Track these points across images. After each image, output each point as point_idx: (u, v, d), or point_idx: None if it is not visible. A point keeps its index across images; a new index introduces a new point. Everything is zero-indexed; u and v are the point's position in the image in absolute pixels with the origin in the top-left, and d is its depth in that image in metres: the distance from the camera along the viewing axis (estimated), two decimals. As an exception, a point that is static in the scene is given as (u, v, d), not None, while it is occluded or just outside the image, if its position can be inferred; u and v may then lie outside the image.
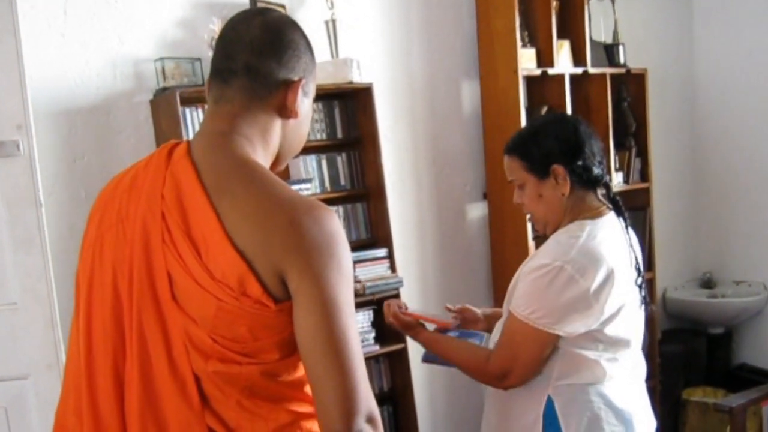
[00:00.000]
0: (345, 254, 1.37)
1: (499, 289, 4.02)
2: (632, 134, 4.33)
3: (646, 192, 4.37)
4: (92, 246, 1.49)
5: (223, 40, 1.50)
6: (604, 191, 2.14)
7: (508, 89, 3.77)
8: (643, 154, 4.35)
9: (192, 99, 2.98)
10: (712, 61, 4.91)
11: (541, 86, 3.99)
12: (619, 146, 4.26)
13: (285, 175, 3.23)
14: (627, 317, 2.04)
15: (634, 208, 4.37)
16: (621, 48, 4.27)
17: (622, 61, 4.27)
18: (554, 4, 3.88)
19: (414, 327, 2.27)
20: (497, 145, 3.87)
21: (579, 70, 4.00)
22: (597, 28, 4.27)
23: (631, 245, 2.09)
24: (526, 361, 2.02)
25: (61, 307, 2.57)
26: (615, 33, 4.31)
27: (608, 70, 4.14)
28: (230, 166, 1.41)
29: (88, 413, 1.45)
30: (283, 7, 3.29)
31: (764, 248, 4.71)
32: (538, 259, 2.05)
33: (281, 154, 1.56)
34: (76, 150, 2.98)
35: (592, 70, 4.05)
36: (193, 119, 3.00)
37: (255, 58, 1.45)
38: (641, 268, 2.09)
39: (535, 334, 1.99)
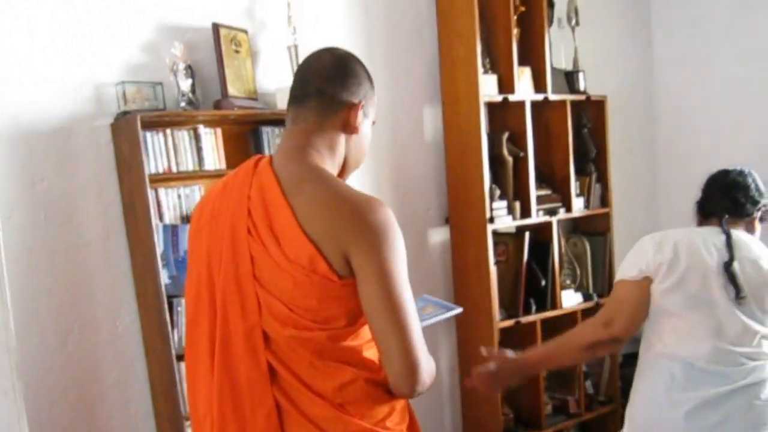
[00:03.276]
0: (398, 237, 1.68)
1: (461, 314, 4.03)
2: (592, 160, 4.37)
3: (607, 217, 4.41)
4: (193, 240, 1.88)
5: (299, 72, 1.85)
6: (718, 220, 2.61)
7: (469, 115, 3.82)
8: (603, 179, 4.40)
9: (153, 123, 2.99)
10: (671, 88, 5.00)
11: (503, 112, 4.04)
12: (579, 172, 4.31)
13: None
14: (692, 293, 2.43)
15: (595, 233, 4.44)
16: (581, 75, 4.33)
17: (582, 88, 4.33)
18: (515, 31, 3.93)
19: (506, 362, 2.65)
20: (459, 170, 3.92)
21: (540, 97, 4.05)
22: (558, 55, 4.33)
23: (731, 249, 2.47)
24: (622, 304, 2.50)
25: (19, 333, 2.56)
26: (575, 60, 4.38)
27: (568, 97, 4.20)
28: (303, 172, 1.74)
29: (191, 370, 1.88)
30: (245, 32, 3.32)
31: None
32: None
33: (347, 165, 1.88)
34: (35, 173, 2.96)
35: (552, 97, 4.10)
36: (154, 143, 3.00)
37: (324, 83, 1.79)
38: (730, 265, 2.43)
39: (619, 285, 2.53)
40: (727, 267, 2.42)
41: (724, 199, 2.61)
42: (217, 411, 1.75)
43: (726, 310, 2.40)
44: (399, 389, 1.72)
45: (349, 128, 1.83)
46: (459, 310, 2.18)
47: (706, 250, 2.47)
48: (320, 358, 1.71)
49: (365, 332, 1.75)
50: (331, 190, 1.71)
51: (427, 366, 1.70)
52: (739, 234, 2.53)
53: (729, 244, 2.48)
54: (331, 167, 1.82)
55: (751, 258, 2.47)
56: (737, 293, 2.39)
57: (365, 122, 1.87)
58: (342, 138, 1.83)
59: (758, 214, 2.64)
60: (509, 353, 2.66)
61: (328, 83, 1.79)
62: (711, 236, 2.52)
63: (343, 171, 1.88)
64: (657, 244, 2.49)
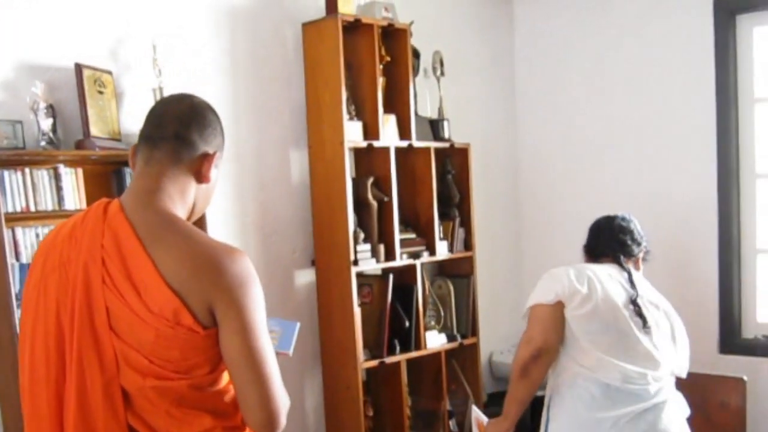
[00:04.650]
0: (258, 287, 1.75)
1: (326, 353, 4.10)
2: (456, 205, 4.52)
3: (470, 260, 4.56)
4: (36, 287, 1.79)
5: (155, 112, 1.86)
6: (611, 259, 3.03)
7: (334, 160, 3.91)
8: (466, 224, 4.55)
9: (12, 161, 2.98)
10: (533, 137, 5.24)
11: (369, 157, 4.15)
12: (443, 216, 4.44)
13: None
14: (606, 322, 2.78)
15: (459, 276, 4.57)
16: (446, 123, 4.49)
17: (446, 135, 4.49)
18: (381, 80, 4.07)
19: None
20: (325, 213, 4.01)
21: (404, 144, 4.18)
22: (423, 103, 4.49)
23: (633, 285, 2.89)
24: (540, 324, 2.80)
25: None
26: (440, 109, 4.54)
27: (433, 144, 4.35)
28: (159, 220, 1.74)
29: (32, 431, 1.78)
30: (110, 73, 3.34)
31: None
32: None
33: (194, 211, 1.90)
34: None
35: (417, 144, 4.24)
36: (11, 182, 2.97)
37: (182, 128, 1.81)
38: (635, 299, 2.85)
39: (536, 308, 2.84)
40: (634, 301, 2.82)
41: (612, 242, 3.02)
42: None
43: (634, 338, 2.77)
44: None
45: (201, 177, 1.85)
46: (297, 324, 2.19)
47: (613, 284, 2.85)
48: (179, 406, 1.71)
49: (225, 376, 1.77)
50: (192, 242, 1.72)
51: (285, 410, 1.75)
52: (634, 272, 2.96)
53: (631, 280, 2.90)
54: (182, 212, 1.84)
55: (647, 294, 2.91)
56: (644, 323, 2.79)
57: (214, 172, 1.89)
58: (193, 185, 1.85)
59: (641, 255, 3.08)
60: (492, 421, 3.02)
61: (186, 129, 1.81)
62: (615, 273, 2.92)
63: (190, 216, 1.89)
64: (572, 275, 2.82)
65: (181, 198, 1.83)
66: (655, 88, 4.68)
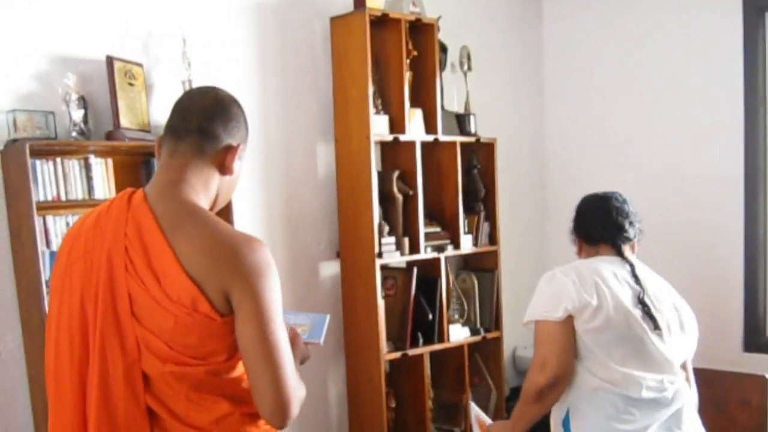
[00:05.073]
0: (275, 277, 1.76)
1: (350, 345, 4.14)
2: (481, 199, 4.54)
3: (495, 254, 4.58)
4: (62, 275, 1.84)
5: (180, 105, 1.89)
6: (611, 246, 2.76)
7: (360, 153, 3.95)
8: (491, 218, 4.57)
9: (43, 151, 3.03)
10: (560, 132, 5.25)
11: (394, 151, 4.19)
12: (468, 210, 4.47)
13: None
14: (619, 330, 2.54)
15: (483, 270, 4.59)
16: (472, 118, 4.52)
17: (472, 130, 4.51)
18: (407, 74, 4.10)
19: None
20: (350, 205, 4.05)
21: (430, 138, 4.21)
22: (450, 98, 4.52)
23: (639, 283, 2.63)
24: (553, 345, 2.52)
25: None
26: (467, 104, 4.56)
27: (459, 139, 4.37)
28: (181, 210, 1.78)
29: (56, 413, 1.83)
30: (141, 65, 3.39)
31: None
32: None
33: (217, 202, 1.93)
34: None
35: (442, 138, 4.27)
36: (43, 172, 3.02)
37: (206, 122, 1.84)
38: (644, 299, 2.60)
39: (544, 325, 2.56)
40: (642, 300, 2.59)
41: (609, 226, 2.76)
42: None
43: (649, 344, 2.55)
44: (270, 422, 1.78)
45: (225, 169, 1.89)
46: (327, 316, 2.21)
47: (620, 286, 2.60)
48: (197, 391, 1.76)
49: (242, 365, 1.80)
50: (212, 231, 1.75)
51: (297, 400, 1.76)
52: (635, 262, 2.72)
53: (635, 275, 2.66)
54: (205, 203, 1.87)
55: (651, 286, 2.67)
56: (654, 325, 2.57)
57: (238, 164, 1.92)
58: (216, 177, 1.89)
59: (638, 238, 2.82)
60: (497, 425, 2.88)
61: (210, 122, 1.84)
62: (618, 269, 2.66)
63: (213, 207, 1.93)
64: (577, 283, 2.55)
65: (204, 189, 1.87)
66: (684, 83, 4.67)
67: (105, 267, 1.76)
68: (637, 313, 2.56)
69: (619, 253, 2.72)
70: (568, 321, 2.53)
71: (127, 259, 1.75)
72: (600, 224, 2.78)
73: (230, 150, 1.88)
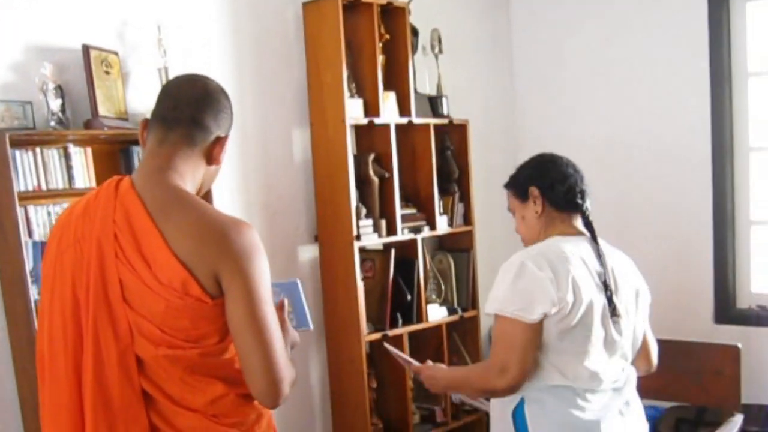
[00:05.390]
0: (263, 258, 1.81)
1: (330, 327, 4.19)
2: (456, 180, 4.60)
3: (470, 234, 4.64)
4: (53, 263, 1.87)
5: (169, 94, 1.92)
6: (580, 219, 2.48)
7: (336, 137, 3.98)
8: (465, 199, 4.63)
9: (23, 141, 3.02)
10: (531, 113, 5.31)
11: (369, 135, 4.22)
12: (443, 192, 4.52)
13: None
14: (589, 323, 2.31)
15: (458, 250, 4.66)
16: (444, 100, 4.56)
17: (445, 112, 4.55)
18: (380, 58, 4.13)
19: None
20: (327, 189, 4.08)
21: (404, 120, 4.25)
22: (422, 81, 4.55)
23: (603, 264, 2.38)
24: (518, 350, 2.26)
25: None
26: (439, 86, 4.60)
27: (432, 121, 4.42)
28: (169, 196, 1.81)
29: (51, 400, 1.85)
30: (116, 54, 3.40)
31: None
32: (508, 260, 2.38)
33: (199, 191, 1.96)
34: None
35: (416, 121, 4.31)
36: (23, 161, 3.01)
37: (199, 113, 1.87)
38: (609, 284, 2.36)
39: (513, 324, 2.26)
40: (605, 283, 2.35)
41: (581, 193, 2.48)
42: (91, 430, 1.78)
43: (611, 332, 2.36)
44: (262, 402, 1.84)
45: (212, 159, 1.94)
46: (297, 281, 2.19)
47: (589, 274, 2.34)
48: (191, 374, 1.79)
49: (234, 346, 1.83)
50: (200, 215, 1.79)
51: (288, 380, 1.81)
52: (600, 241, 2.45)
53: (599, 253, 2.40)
54: (191, 190, 1.90)
55: (611, 261, 2.43)
56: (614, 312, 2.35)
57: (223, 154, 1.97)
58: (203, 166, 1.93)
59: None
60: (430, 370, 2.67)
61: (201, 114, 1.88)
62: (583, 251, 2.39)
63: (196, 194, 1.94)
64: (554, 281, 2.26)
65: (192, 177, 1.91)
66: (651, 65, 4.74)
67: (95, 254, 1.79)
68: (602, 300, 2.33)
69: (586, 226, 2.46)
70: (540, 323, 2.26)
71: (116, 245, 1.78)
72: (574, 188, 2.48)
73: (219, 141, 1.93)
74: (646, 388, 3.77)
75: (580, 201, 2.47)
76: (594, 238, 2.44)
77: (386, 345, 2.99)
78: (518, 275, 2.29)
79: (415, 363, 2.74)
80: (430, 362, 2.73)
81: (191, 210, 1.80)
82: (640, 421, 2.53)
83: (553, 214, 2.47)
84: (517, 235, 2.63)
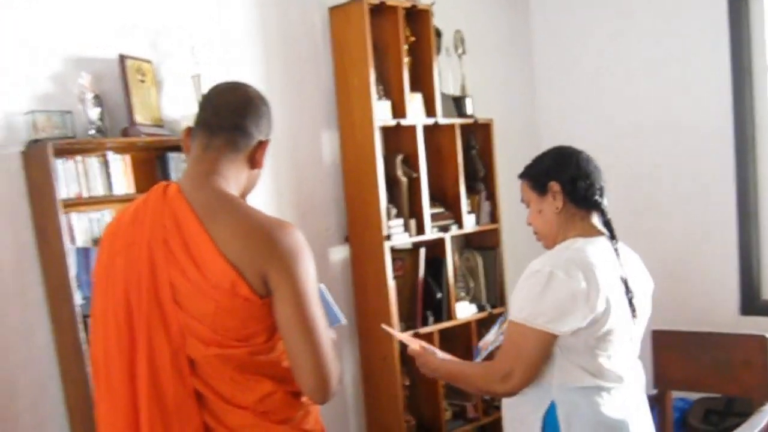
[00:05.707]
0: (309, 258, 1.87)
1: (362, 326, 4.25)
2: (481, 179, 4.64)
3: (496, 232, 4.68)
4: (105, 269, 1.93)
5: (211, 102, 1.97)
6: (599, 217, 2.41)
7: (365, 139, 4.04)
8: (492, 197, 4.67)
9: (64, 150, 3.10)
10: (553, 110, 5.34)
11: (396, 136, 4.27)
12: (469, 190, 4.57)
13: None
14: (616, 327, 2.28)
15: (485, 248, 4.70)
16: (468, 100, 4.61)
17: (469, 112, 4.60)
18: (406, 60, 4.18)
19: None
20: (357, 191, 4.14)
21: (430, 121, 4.30)
22: (446, 82, 4.60)
23: (621, 265, 2.32)
24: (527, 360, 2.24)
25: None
26: (463, 86, 4.65)
27: (457, 121, 4.46)
28: (215, 199, 1.87)
29: (107, 401, 1.91)
30: (150, 62, 3.47)
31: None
32: (531, 267, 2.30)
33: (243, 194, 2.01)
34: (-55, 200, 3.03)
35: (442, 121, 4.36)
36: (65, 170, 3.09)
37: (241, 119, 1.93)
38: (628, 284, 2.31)
39: (532, 334, 2.22)
40: (627, 285, 2.30)
41: (601, 189, 2.40)
42: (147, 430, 1.84)
43: (633, 333, 2.36)
44: (312, 398, 1.89)
45: (255, 163, 1.99)
46: (322, 285, 2.13)
47: (615, 278, 2.29)
48: (242, 372, 1.85)
49: (282, 345, 1.88)
50: (246, 216, 1.84)
51: (336, 376, 1.86)
52: (621, 245, 2.39)
53: (617, 254, 2.34)
54: (235, 193, 1.95)
55: (626, 259, 2.39)
56: (634, 314, 2.32)
57: (264, 157, 2.02)
58: (246, 170, 1.98)
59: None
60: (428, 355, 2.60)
61: (244, 120, 1.94)
62: (608, 251, 2.33)
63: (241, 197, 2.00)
64: (586, 292, 2.19)
65: (236, 181, 1.96)
66: (672, 59, 4.77)
67: (146, 258, 1.84)
68: (625, 302, 2.29)
69: (605, 224, 2.39)
70: (566, 333, 2.22)
71: (166, 249, 1.83)
72: (594, 185, 2.39)
73: (261, 146, 1.99)
74: (674, 380, 3.80)
75: (600, 198, 2.39)
76: (613, 237, 2.38)
77: (383, 326, 2.95)
78: (548, 285, 2.21)
79: (412, 345, 2.65)
80: (426, 345, 2.66)
81: (238, 212, 1.85)
82: (648, 415, 2.54)
83: (572, 211, 2.39)
84: (530, 236, 2.61)
